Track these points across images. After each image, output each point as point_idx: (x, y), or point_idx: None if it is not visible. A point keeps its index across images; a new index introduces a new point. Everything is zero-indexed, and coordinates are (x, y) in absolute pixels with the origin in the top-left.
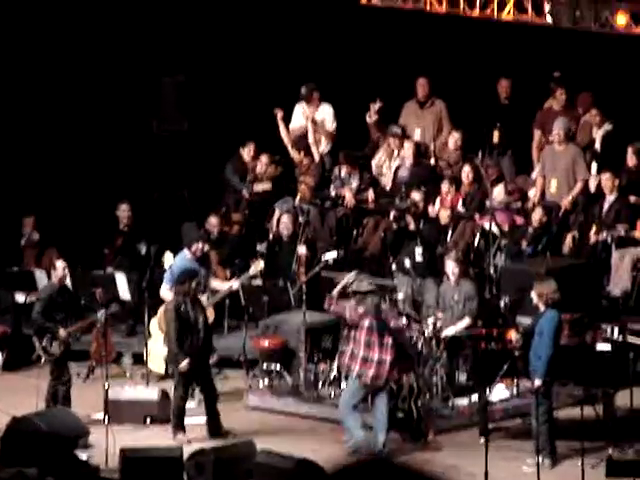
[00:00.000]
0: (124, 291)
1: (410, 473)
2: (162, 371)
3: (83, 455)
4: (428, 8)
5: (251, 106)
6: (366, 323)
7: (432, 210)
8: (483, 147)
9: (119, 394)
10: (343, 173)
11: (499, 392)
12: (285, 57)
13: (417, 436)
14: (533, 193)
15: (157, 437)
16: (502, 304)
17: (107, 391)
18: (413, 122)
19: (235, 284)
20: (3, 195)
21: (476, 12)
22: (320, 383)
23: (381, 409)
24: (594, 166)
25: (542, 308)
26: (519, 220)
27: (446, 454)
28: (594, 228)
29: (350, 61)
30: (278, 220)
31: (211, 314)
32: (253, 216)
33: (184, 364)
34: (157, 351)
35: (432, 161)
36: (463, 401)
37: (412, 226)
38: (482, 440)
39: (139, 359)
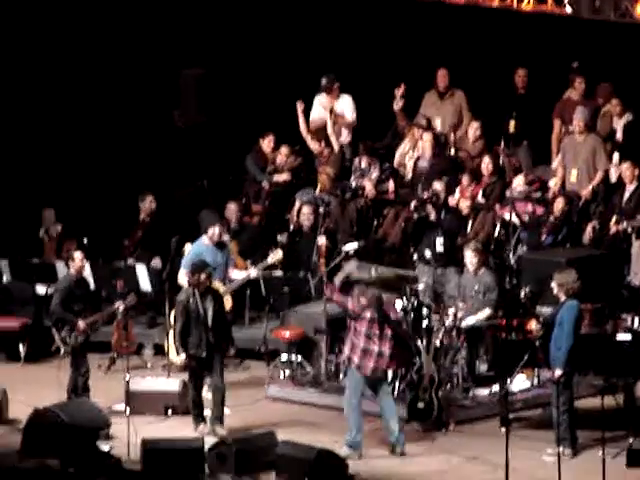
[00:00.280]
0: (145, 282)
1: None
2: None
3: (105, 446)
4: None
5: (271, 97)
6: (368, 315)
7: (452, 201)
8: (500, 138)
9: (140, 385)
10: (363, 164)
11: (519, 382)
12: (304, 49)
13: (438, 426)
14: (554, 183)
15: (178, 428)
16: (522, 294)
17: (128, 382)
18: (433, 113)
19: (253, 272)
20: (24, 187)
21: (496, 2)
22: (341, 374)
23: (385, 399)
24: (616, 156)
25: (562, 298)
26: (539, 210)
27: (467, 444)
28: (614, 218)
29: (370, 52)
30: (298, 211)
31: (228, 302)
32: (274, 207)
33: (182, 358)
34: None
35: (452, 152)
36: (484, 391)
37: (433, 216)
38: (503, 430)
39: (160, 350)
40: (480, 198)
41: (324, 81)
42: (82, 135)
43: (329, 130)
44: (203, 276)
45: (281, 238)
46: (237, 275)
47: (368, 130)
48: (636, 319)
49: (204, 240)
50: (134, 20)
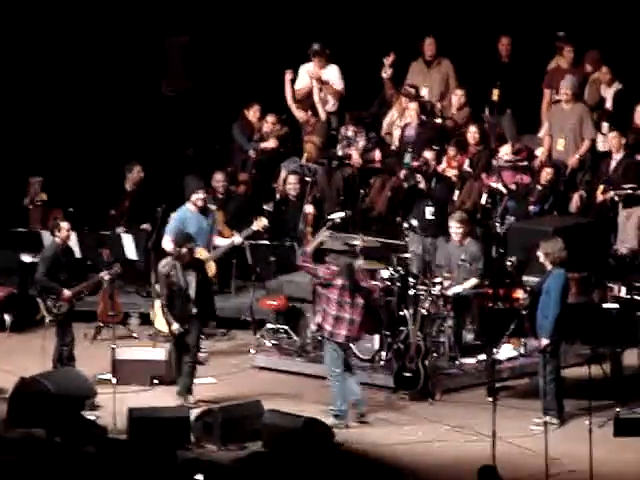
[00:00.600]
0: (131, 251)
1: None
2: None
3: (90, 416)
4: None
5: (257, 65)
6: (339, 282)
7: (439, 169)
8: (484, 106)
9: (126, 355)
10: (350, 133)
11: (506, 351)
12: (291, 16)
13: (424, 395)
14: (540, 152)
15: (164, 397)
16: (509, 263)
17: (114, 352)
18: (420, 82)
19: (237, 239)
20: (9, 155)
21: None
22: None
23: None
24: (605, 125)
25: (549, 267)
26: (526, 179)
27: (453, 413)
28: (601, 187)
29: (356, 21)
30: (285, 180)
31: (212, 269)
32: (260, 175)
33: (175, 327)
34: None
35: (439, 120)
36: (470, 360)
37: (422, 185)
38: (489, 399)
39: (146, 319)
40: (467, 167)
41: (316, 46)
42: (68, 104)
43: (315, 99)
44: (184, 250)
45: (267, 207)
46: (221, 242)
47: (354, 99)
48: (623, 288)
49: (188, 206)
50: None
